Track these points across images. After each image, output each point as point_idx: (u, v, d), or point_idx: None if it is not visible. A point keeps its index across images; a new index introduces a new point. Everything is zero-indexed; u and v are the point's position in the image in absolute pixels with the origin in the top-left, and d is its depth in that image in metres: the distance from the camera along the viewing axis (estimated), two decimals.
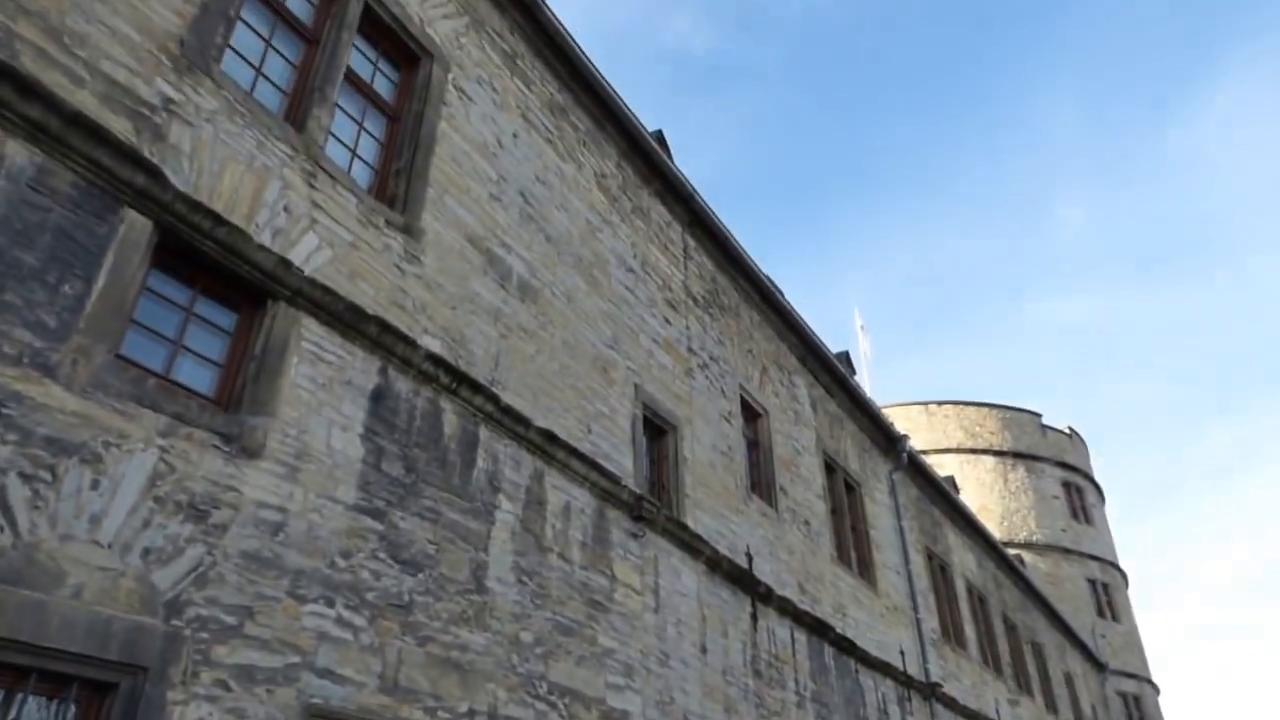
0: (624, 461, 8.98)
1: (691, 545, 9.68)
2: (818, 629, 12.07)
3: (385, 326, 6.30)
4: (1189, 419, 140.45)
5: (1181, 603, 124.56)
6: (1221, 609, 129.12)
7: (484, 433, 7.14)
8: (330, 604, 5.35)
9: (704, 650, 9.38)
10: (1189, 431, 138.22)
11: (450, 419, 6.83)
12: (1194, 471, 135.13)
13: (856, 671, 13.11)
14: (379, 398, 6.22)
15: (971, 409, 36.82)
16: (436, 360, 6.70)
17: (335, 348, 5.98)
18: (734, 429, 11.80)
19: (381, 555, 5.83)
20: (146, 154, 5.04)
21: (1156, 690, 35.95)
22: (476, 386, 7.06)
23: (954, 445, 35.63)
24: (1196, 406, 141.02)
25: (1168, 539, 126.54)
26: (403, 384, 6.47)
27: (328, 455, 5.66)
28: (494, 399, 7.21)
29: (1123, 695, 33.75)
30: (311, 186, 6.19)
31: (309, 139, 6.33)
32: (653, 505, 9.01)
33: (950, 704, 16.37)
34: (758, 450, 12.60)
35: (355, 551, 5.64)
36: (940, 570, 18.80)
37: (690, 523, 9.85)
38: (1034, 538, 34.55)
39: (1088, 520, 37.24)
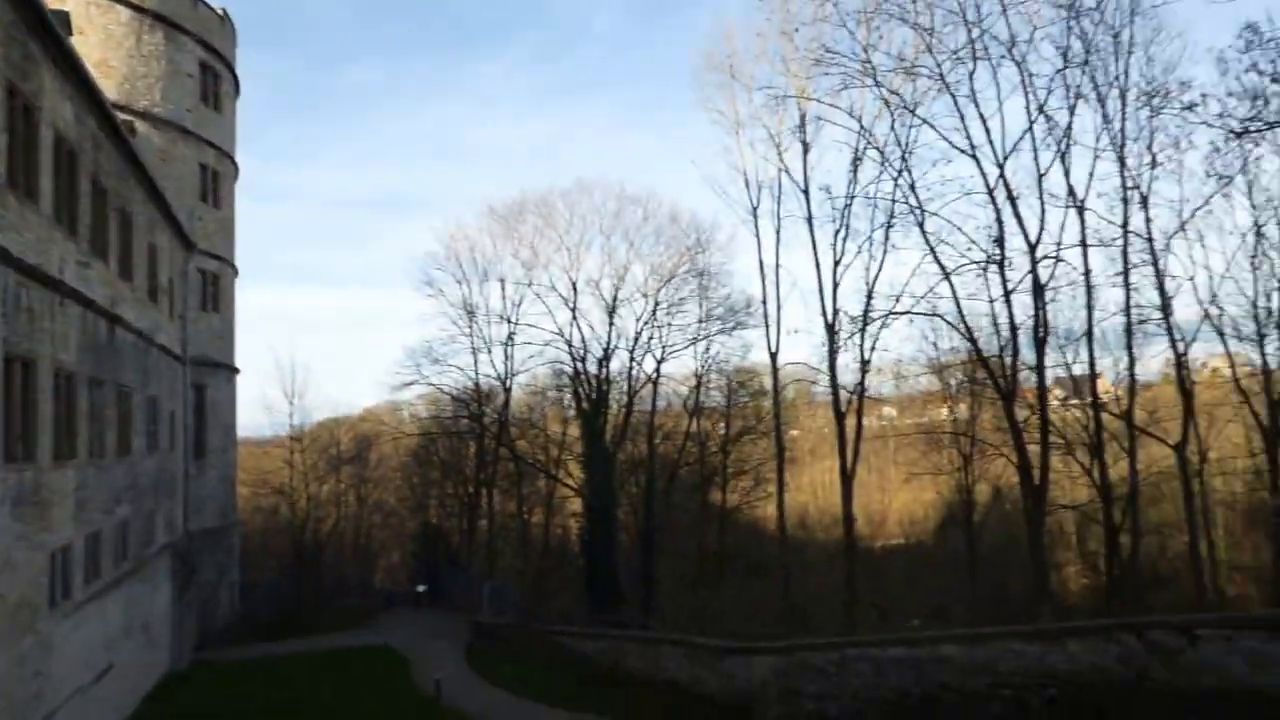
0: None
1: None
2: None
3: None
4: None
5: (292, 199, 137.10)
6: (326, 214, 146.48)
7: None
8: None
9: None
10: (353, 47, 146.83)
11: None
12: (343, 94, 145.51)
13: None
14: None
15: None
16: None
17: None
18: None
19: None
20: None
21: (236, 272, 39.20)
22: None
23: None
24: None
25: (293, 145, 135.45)
26: None
27: None
28: None
29: (204, 272, 35.81)
30: None
31: None
32: None
33: (3, 256, 14.91)
34: None
35: None
36: (25, 111, 16.34)
37: None
38: (155, 110, 32.65)
39: (217, 108, 36.79)
